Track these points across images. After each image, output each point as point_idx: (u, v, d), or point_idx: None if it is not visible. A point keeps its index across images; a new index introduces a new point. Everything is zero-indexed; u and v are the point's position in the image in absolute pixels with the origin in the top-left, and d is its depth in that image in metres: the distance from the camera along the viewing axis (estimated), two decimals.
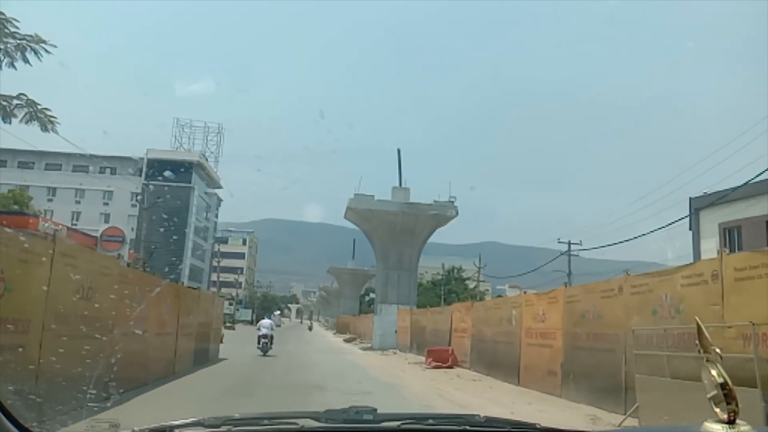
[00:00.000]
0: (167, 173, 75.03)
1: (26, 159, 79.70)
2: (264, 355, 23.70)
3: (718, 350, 1.36)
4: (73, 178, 79.44)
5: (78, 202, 78.72)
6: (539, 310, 15.13)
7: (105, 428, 2.47)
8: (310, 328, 71.16)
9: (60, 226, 40.95)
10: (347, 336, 52.55)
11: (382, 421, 1.96)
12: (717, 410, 1.31)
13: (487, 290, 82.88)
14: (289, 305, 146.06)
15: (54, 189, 79.28)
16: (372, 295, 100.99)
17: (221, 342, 37.60)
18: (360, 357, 28.14)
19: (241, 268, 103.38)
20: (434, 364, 21.72)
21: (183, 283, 75.06)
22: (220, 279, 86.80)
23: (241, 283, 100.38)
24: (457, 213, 34.78)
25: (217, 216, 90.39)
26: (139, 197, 76.41)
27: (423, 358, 25.56)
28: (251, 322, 77.94)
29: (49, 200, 78.19)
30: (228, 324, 72.07)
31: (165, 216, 74.42)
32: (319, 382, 15.84)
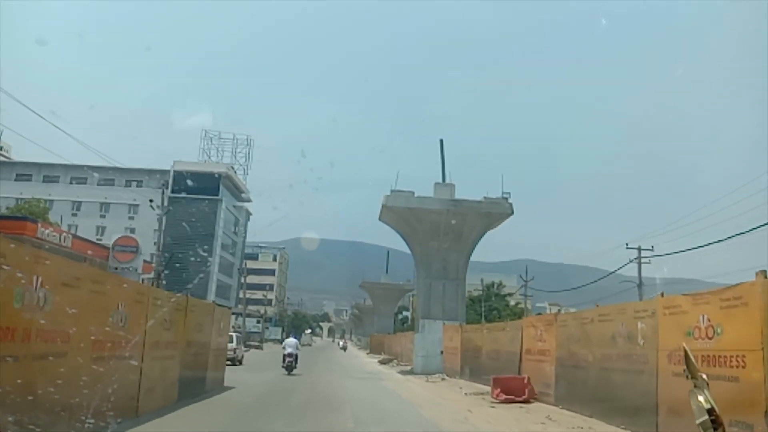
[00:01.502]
0: (193, 185, 70.82)
1: (51, 173, 76.51)
2: (288, 374, 23.18)
3: (704, 376, 1.33)
4: (99, 192, 75.73)
5: (103, 216, 74.85)
6: (698, 320, 9.31)
7: None
8: (344, 348, 64.53)
9: (63, 234, 36.46)
10: (382, 357, 46.67)
11: None
12: None
13: (528, 308, 76.43)
14: (321, 324, 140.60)
15: (79, 203, 75.67)
16: (406, 313, 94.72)
17: (239, 364, 32.54)
18: (401, 385, 22.39)
19: (271, 285, 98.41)
20: (504, 397, 15.90)
21: (207, 299, 70.62)
22: (249, 297, 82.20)
23: (270, 300, 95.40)
24: (512, 211, 28.98)
25: (246, 230, 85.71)
26: (162, 210, 72.66)
27: (482, 387, 19.76)
28: (281, 341, 71.29)
29: (74, 215, 74.64)
30: (255, 343, 67.11)
31: (191, 230, 70.33)
32: (350, 429, 10.29)
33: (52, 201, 72.89)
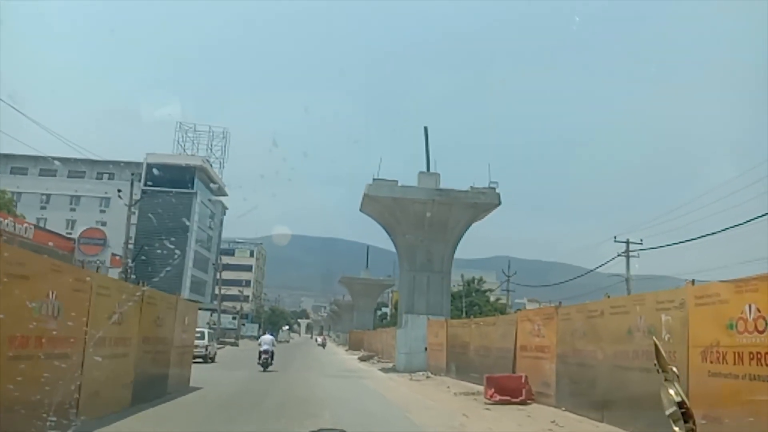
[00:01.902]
0: (167, 178, 68.41)
1: (20, 164, 73.41)
2: (264, 370, 22.73)
3: (675, 369, 1.36)
4: (69, 184, 72.91)
5: (73, 210, 71.99)
6: (743, 311, 7.84)
7: None
8: (323, 345, 62.01)
9: (25, 225, 34.16)
10: (362, 353, 45.03)
11: None
12: (676, 429, 1.30)
13: (507, 304, 75.37)
14: (299, 320, 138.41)
15: (48, 196, 72.74)
16: (385, 309, 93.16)
17: (211, 361, 30.63)
18: (383, 384, 20.77)
19: (248, 281, 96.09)
20: (498, 398, 14.38)
21: (181, 295, 68.37)
22: (225, 293, 79.89)
23: (247, 296, 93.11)
24: (500, 201, 27.51)
25: (221, 224, 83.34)
26: (131, 201, 70.11)
27: (471, 386, 18.28)
28: (257, 338, 69.42)
29: (43, 207, 71.68)
30: (231, 340, 64.94)
31: (165, 224, 67.99)
32: None
33: (20, 193, 70.04)
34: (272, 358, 23.42)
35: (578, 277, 48.89)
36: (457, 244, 28.25)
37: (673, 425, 1.41)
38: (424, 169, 28.69)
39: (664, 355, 1.46)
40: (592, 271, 41.12)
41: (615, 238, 34.22)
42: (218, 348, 51.90)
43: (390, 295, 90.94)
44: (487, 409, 13.40)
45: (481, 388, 17.43)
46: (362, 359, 37.77)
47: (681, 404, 1.38)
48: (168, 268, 60.70)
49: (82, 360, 8.98)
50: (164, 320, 13.53)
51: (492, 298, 70.29)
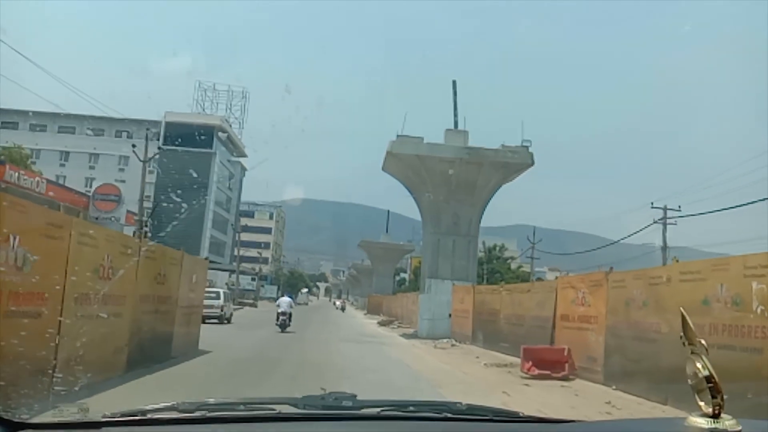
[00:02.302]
0: (186, 137, 67.12)
1: (38, 121, 72.52)
2: (282, 331, 22.76)
3: (703, 342, 1.28)
4: (88, 142, 72.03)
5: (92, 168, 71.25)
6: None
7: (74, 412, 1.65)
8: (342, 308, 60.23)
9: (37, 178, 33.06)
10: (381, 318, 43.84)
11: (362, 408, 1.84)
12: (701, 404, 1.24)
13: (531, 272, 73.64)
14: (318, 283, 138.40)
15: (67, 153, 72.00)
16: (403, 275, 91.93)
17: (227, 322, 29.53)
18: (407, 351, 19.33)
19: (267, 243, 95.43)
20: (537, 372, 12.82)
21: (200, 255, 67.62)
22: (244, 254, 79.20)
23: (266, 258, 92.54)
24: (533, 161, 25.60)
25: (241, 185, 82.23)
26: (155, 163, 69.10)
27: (501, 357, 16.81)
28: (276, 300, 68.88)
29: (62, 165, 71.05)
30: (250, 301, 64.33)
31: (183, 183, 66.98)
32: None
33: (39, 150, 69.34)
34: (290, 320, 23.35)
35: (604, 246, 46.95)
36: (486, 207, 26.49)
37: (697, 398, 1.28)
38: (452, 127, 26.81)
39: (691, 326, 1.32)
40: (624, 239, 39.17)
41: (652, 204, 32.13)
42: (236, 309, 51.22)
43: (409, 260, 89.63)
44: (527, 385, 11.84)
45: (513, 359, 15.95)
46: (382, 324, 36.53)
47: (709, 378, 1.25)
48: (175, 222, 59.71)
49: (59, 319, 7.54)
50: (167, 277, 12.09)
51: (513, 266, 68.78)
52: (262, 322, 33.70)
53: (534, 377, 12.68)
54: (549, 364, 12.91)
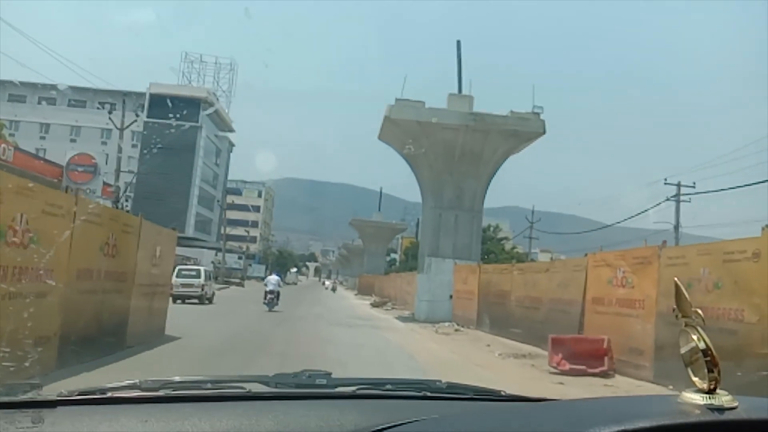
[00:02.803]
0: (171, 111, 64.12)
1: (18, 92, 69.09)
2: (269, 310, 22.61)
3: (699, 311, 1.18)
4: (69, 114, 68.82)
5: (74, 141, 67.99)
6: None
7: (26, 390, 1.45)
8: (333, 289, 56.89)
9: (2, 145, 30.27)
10: (374, 299, 41.64)
11: (337, 386, 1.75)
12: (695, 379, 1.16)
13: (528, 252, 71.76)
14: (307, 263, 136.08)
15: (47, 125, 68.78)
16: (394, 255, 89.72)
17: (208, 302, 27.17)
18: (406, 337, 17.06)
19: (255, 222, 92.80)
20: (569, 366, 10.58)
21: (185, 232, 64.93)
22: (232, 233, 76.66)
23: (254, 237, 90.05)
24: (544, 130, 23.25)
25: (228, 161, 79.34)
26: (138, 136, 66.25)
27: (513, 345, 14.71)
28: (264, 279, 66.51)
29: (42, 138, 67.87)
30: (236, 280, 61.96)
31: (167, 158, 64.18)
32: None
33: (18, 122, 66.19)
34: (278, 299, 23.16)
35: (605, 227, 45.04)
36: (491, 180, 24.15)
37: (690, 373, 1.17)
38: (455, 92, 24.35)
39: (686, 296, 1.19)
40: (636, 216, 36.56)
41: (665, 180, 29.86)
42: (222, 288, 48.91)
43: (400, 241, 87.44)
44: (561, 383, 9.60)
45: (529, 348, 13.81)
46: (374, 305, 34.31)
47: (705, 351, 1.15)
48: (183, 213, 56.97)
49: None
50: (119, 249, 9.66)
51: (507, 247, 66.79)
52: (246, 302, 31.41)
53: (565, 373, 10.46)
54: (583, 357, 10.68)
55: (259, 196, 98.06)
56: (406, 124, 22.88)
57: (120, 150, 33.55)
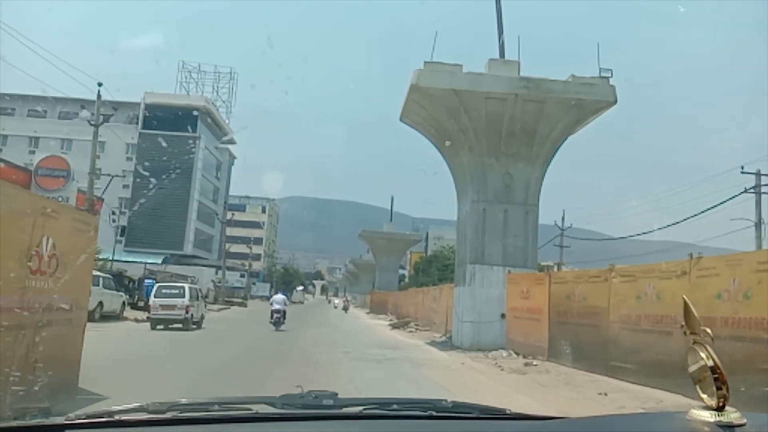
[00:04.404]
0: (168, 121, 59.07)
1: (5, 105, 64.08)
2: (276, 329, 21.46)
3: (708, 330, 1.20)
4: (60, 127, 63.55)
5: (65, 153, 62.78)
6: None
7: (34, 414, 1.88)
8: (345, 309, 49.25)
9: None
10: (390, 319, 35.89)
11: (343, 407, 1.71)
12: (704, 396, 1.16)
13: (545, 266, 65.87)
14: (314, 281, 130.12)
15: (37, 139, 63.54)
16: (402, 271, 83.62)
17: (195, 328, 21.56)
18: (468, 382, 11.21)
19: (260, 239, 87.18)
20: None
21: (183, 250, 59.38)
22: (235, 251, 71.12)
23: (258, 254, 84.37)
24: (615, 99, 17.73)
25: (229, 174, 74.01)
26: (134, 149, 61.17)
27: (631, 388, 8.98)
28: (269, 298, 60.01)
29: (31, 152, 62.45)
30: (239, 300, 56.32)
31: (165, 171, 58.96)
32: None
33: (5, 136, 61.25)
34: (284, 317, 22.35)
35: (622, 239, 39.74)
36: (549, 164, 18.54)
37: (698, 389, 1.17)
38: (496, 56, 18.88)
39: (695, 314, 1.19)
40: (686, 220, 30.90)
41: (742, 168, 24.19)
42: (222, 308, 43.26)
43: (408, 255, 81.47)
44: None
45: (661, 394, 8.17)
46: (395, 326, 28.52)
47: (713, 369, 1.15)
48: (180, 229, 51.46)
49: None
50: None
51: None
52: (244, 324, 25.74)
53: None
54: None
55: (263, 212, 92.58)
56: (438, 94, 17.37)
57: (94, 151, 28.12)
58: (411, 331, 25.50)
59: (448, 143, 18.48)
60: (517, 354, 15.26)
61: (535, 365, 13.03)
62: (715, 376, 1.14)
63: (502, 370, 12.47)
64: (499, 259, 17.51)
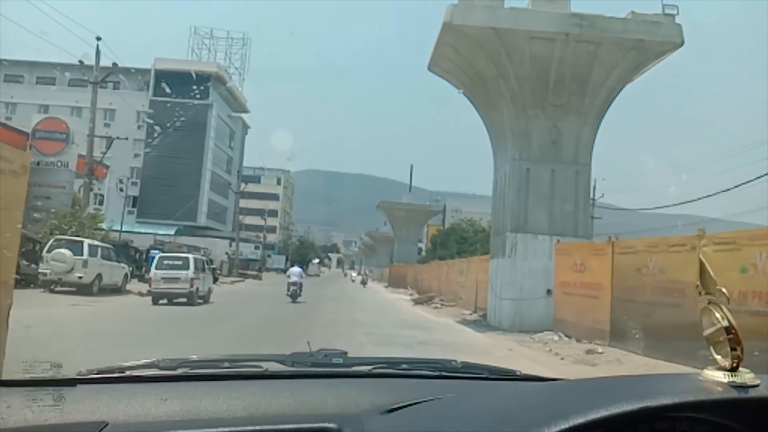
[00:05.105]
0: (179, 88, 56.71)
1: (14, 72, 62.19)
2: (293, 301, 21.03)
3: (724, 290, 1.13)
4: (69, 94, 61.60)
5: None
6: None
7: (46, 368, 1.43)
8: (363, 283, 45.49)
9: None
10: (411, 293, 33.71)
11: (353, 365, 1.74)
12: (718, 357, 1.12)
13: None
14: (329, 254, 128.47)
15: (46, 107, 61.59)
16: (419, 244, 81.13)
17: (201, 303, 19.41)
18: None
19: (275, 211, 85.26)
20: None
21: (197, 221, 57.66)
22: (250, 223, 69.35)
23: (274, 227, 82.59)
24: (682, 40, 15.03)
25: (243, 144, 71.76)
26: (145, 116, 59.10)
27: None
28: (285, 271, 57.70)
29: None
30: (254, 272, 54.64)
31: (177, 139, 56.97)
32: None
33: (15, 104, 59.58)
34: (300, 290, 22.04)
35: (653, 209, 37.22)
36: (603, 117, 15.93)
37: (712, 351, 1.12)
38: None
39: (711, 273, 1.13)
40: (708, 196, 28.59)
41: None
42: (236, 281, 41.55)
43: (425, 229, 78.97)
44: None
45: None
46: (417, 302, 26.30)
47: (728, 329, 1.09)
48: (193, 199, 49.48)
49: None
50: None
51: None
52: (256, 300, 23.69)
53: None
54: None
55: (278, 183, 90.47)
56: (476, 33, 14.76)
57: (93, 109, 25.95)
58: (436, 307, 23.27)
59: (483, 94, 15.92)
60: (568, 337, 12.95)
61: (601, 353, 10.69)
62: (729, 336, 1.08)
63: (561, 359, 10.17)
64: (545, 226, 15.08)
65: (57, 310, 14.68)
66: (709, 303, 1.14)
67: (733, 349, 1.09)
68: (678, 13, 15.11)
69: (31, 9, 24.92)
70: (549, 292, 14.55)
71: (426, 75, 16.84)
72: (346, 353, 1.77)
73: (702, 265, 1.17)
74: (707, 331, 1.13)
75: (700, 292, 1.18)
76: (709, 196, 29.75)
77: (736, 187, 24.70)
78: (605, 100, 15.58)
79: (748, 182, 23.39)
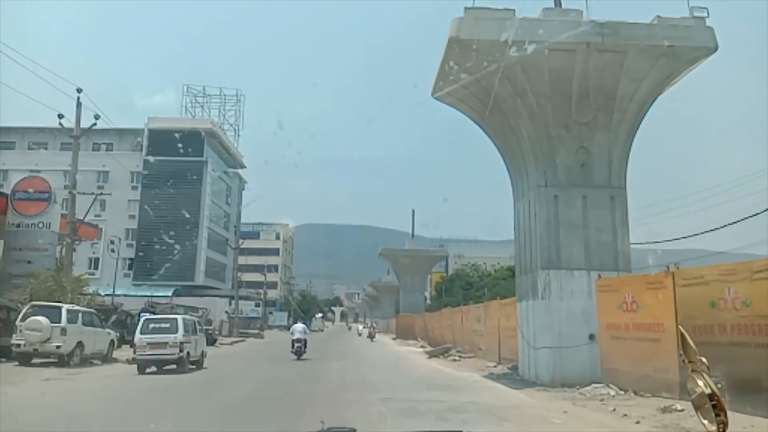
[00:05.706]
0: (173, 146, 55.45)
1: (6, 138, 61.17)
2: (298, 359, 20.86)
3: (704, 360, 1.27)
4: (61, 158, 60.27)
5: (67, 186, 59.27)
6: None
7: None
8: (371, 336, 42.01)
9: None
10: (422, 345, 31.22)
11: None
12: (705, 422, 1.20)
13: None
14: (332, 308, 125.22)
15: (38, 171, 60.21)
16: (425, 293, 78.21)
17: (193, 368, 16.88)
18: None
19: (275, 266, 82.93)
20: None
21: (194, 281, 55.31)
22: (250, 279, 67.10)
23: (275, 283, 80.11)
24: (716, 44, 13.40)
25: (240, 199, 70.10)
26: (140, 177, 57.78)
27: None
28: (288, 327, 54.99)
29: None
30: (255, 330, 51.97)
31: (171, 199, 55.53)
32: None
33: (5, 171, 58.20)
34: (305, 347, 21.84)
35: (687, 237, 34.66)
36: (635, 133, 14.10)
37: (699, 416, 1.24)
38: (550, 5, 14.62)
39: (691, 344, 1.31)
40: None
41: None
42: (236, 341, 39.01)
43: (429, 276, 76.38)
44: None
45: None
46: (432, 355, 23.88)
47: (711, 396, 1.22)
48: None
49: None
50: None
51: None
52: (256, 362, 21.35)
53: None
54: None
55: (277, 238, 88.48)
56: (486, 48, 13.08)
57: (75, 162, 24.23)
58: (455, 360, 20.92)
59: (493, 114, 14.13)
60: (624, 390, 10.73)
61: (681, 410, 8.44)
62: (713, 403, 1.16)
63: (636, 422, 7.92)
64: (581, 261, 13.02)
65: (24, 387, 12.50)
66: (692, 371, 1.24)
67: (717, 415, 1.16)
68: (708, 16, 13.49)
69: (26, 74, 23.48)
70: (592, 336, 12.36)
71: (428, 115, 14.91)
72: (354, 430, 1.70)
73: (682, 336, 1.33)
74: (692, 396, 1.22)
75: (683, 361, 1.32)
76: (715, 229, 27.61)
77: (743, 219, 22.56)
78: (636, 114, 13.78)
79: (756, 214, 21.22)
